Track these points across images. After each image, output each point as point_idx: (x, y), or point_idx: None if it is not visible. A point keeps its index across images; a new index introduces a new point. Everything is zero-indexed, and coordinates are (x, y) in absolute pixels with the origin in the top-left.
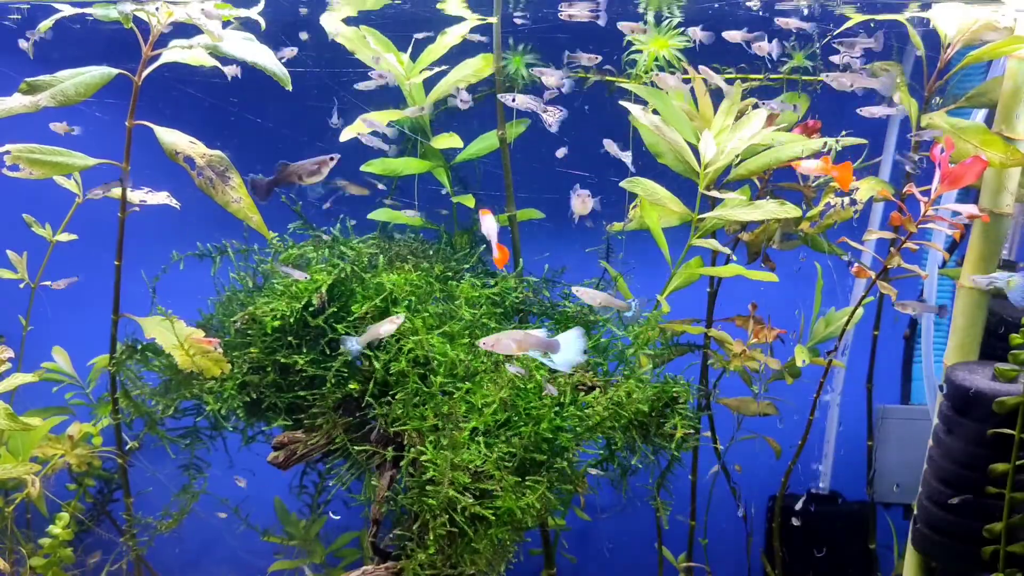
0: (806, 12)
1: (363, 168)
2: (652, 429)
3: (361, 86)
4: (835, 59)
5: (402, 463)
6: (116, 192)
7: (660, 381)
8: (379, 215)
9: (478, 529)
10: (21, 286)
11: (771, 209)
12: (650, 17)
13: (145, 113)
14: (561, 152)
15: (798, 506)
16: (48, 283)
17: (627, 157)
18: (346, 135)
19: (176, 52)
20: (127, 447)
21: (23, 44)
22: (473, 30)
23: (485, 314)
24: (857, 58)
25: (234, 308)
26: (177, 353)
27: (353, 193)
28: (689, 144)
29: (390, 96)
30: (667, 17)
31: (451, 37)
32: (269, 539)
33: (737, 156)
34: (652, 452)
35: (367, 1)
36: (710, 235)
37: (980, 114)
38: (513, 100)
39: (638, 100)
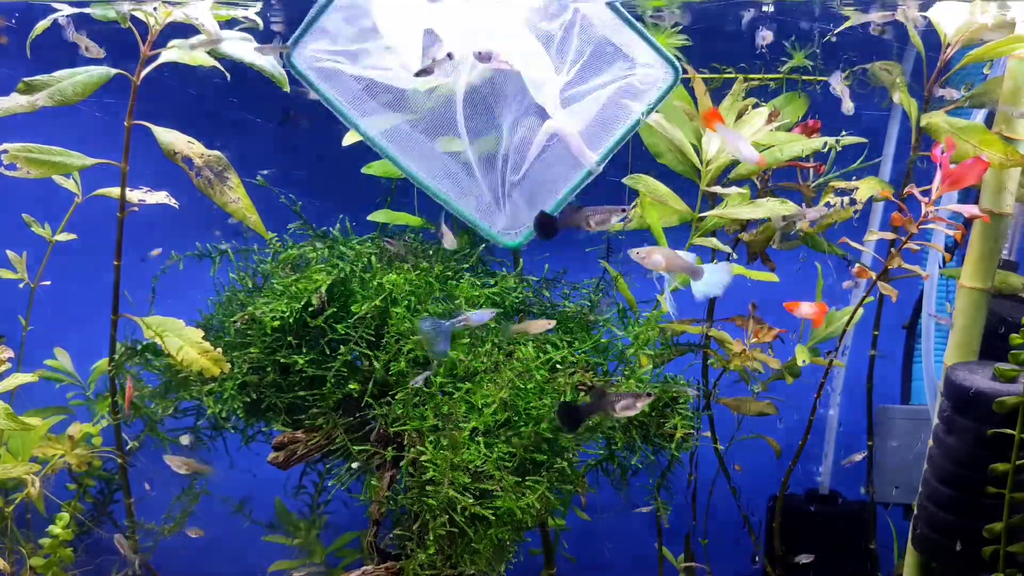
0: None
1: (364, 170)
2: (652, 429)
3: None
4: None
5: (402, 463)
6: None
7: (660, 381)
8: (378, 216)
9: (478, 529)
10: (21, 286)
11: (772, 207)
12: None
13: (146, 113)
14: None
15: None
16: (46, 283)
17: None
18: (349, 139)
19: (174, 52)
20: (127, 447)
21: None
22: None
23: None
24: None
25: (234, 308)
26: (180, 354)
27: None
28: (689, 144)
29: None
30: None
31: None
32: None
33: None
34: (652, 452)
35: None
36: (710, 235)
37: (980, 114)
38: None
39: None
